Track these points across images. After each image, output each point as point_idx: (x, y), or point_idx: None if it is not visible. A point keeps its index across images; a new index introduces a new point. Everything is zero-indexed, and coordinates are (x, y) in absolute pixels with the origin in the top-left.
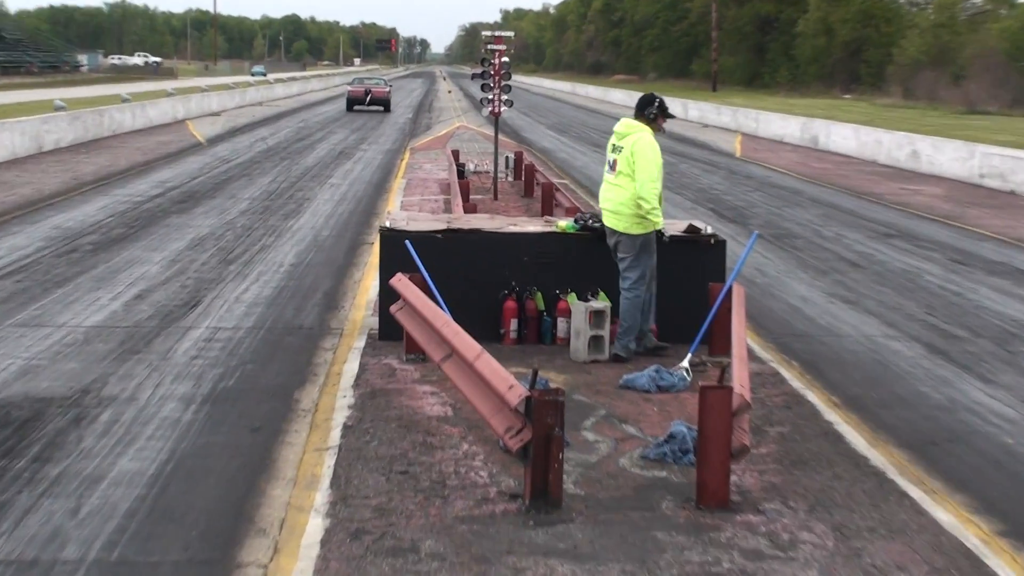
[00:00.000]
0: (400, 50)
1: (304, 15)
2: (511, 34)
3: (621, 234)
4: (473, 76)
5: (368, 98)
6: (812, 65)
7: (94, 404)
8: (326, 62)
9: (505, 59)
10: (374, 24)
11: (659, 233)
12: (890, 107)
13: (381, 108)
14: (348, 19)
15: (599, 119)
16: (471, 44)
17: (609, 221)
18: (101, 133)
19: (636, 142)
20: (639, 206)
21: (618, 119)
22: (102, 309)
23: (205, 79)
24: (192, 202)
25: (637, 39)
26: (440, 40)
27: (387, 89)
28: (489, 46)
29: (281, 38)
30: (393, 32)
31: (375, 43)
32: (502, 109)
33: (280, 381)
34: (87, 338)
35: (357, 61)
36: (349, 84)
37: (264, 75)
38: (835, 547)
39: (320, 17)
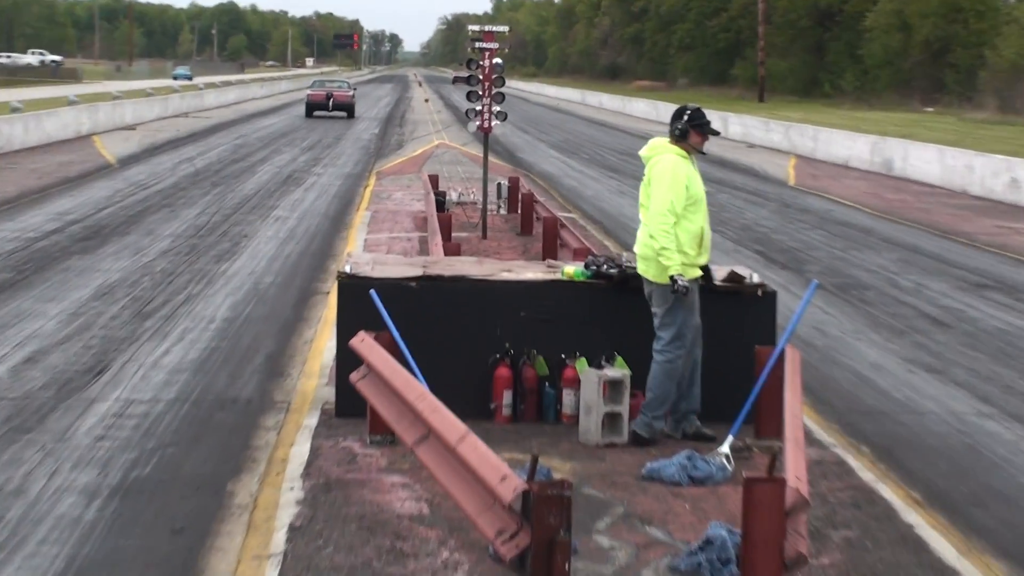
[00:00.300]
0: (365, 48)
1: (243, 3)
2: (505, 29)
3: (651, 283)
4: (455, 80)
5: (330, 102)
6: (884, 69)
7: None
8: (270, 63)
9: (497, 60)
10: (331, 15)
11: (672, 280)
12: (984, 123)
13: (344, 114)
14: (299, 8)
15: (616, 136)
16: (454, 41)
17: (640, 267)
18: None
19: (654, 167)
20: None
21: (640, 136)
22: None
23: (117, 83)
24: (99, 240)
25: (664, 36)
26: (415, 36)
27: (351, 93)
28: (477, 44)
29: (214, 32)
30: (356, 25)
31: (333, 39)
32: (494, 124)
33: (209, 469)
34: None
35: (310, 62)
36: (309, 88)
37: (189, 78)
38: None
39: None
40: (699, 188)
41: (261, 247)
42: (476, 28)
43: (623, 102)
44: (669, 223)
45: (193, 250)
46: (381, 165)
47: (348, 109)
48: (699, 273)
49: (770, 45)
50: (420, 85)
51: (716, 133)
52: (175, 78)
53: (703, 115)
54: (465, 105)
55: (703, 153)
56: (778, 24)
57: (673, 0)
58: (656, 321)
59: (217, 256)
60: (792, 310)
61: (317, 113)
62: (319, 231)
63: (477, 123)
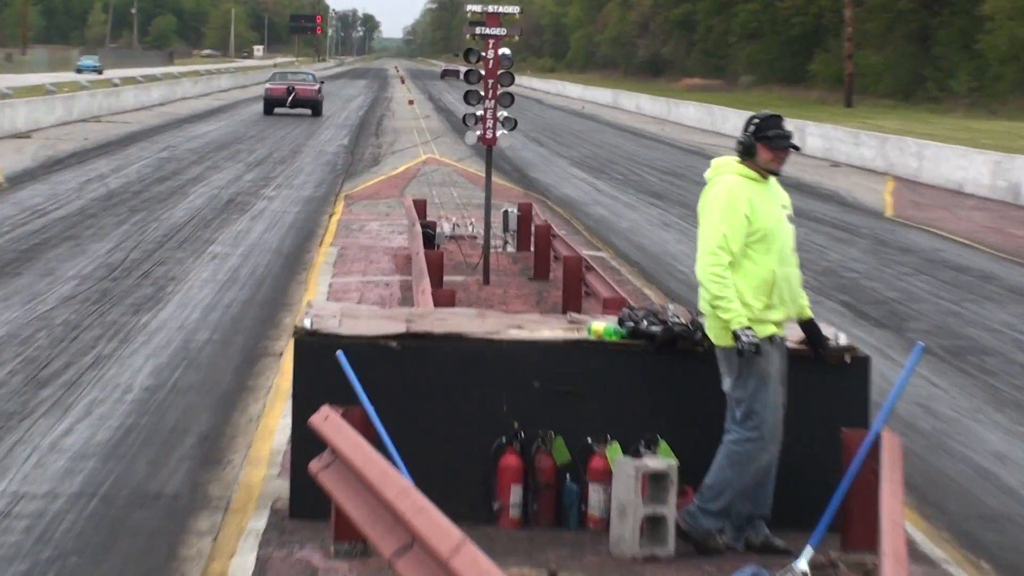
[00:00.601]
0: (331, 33)
1: None
2: (515, 10)
3: (714, 346)
4: (445, 74)
5: (291, 98)
6: (1009, 67)
7: None
8: (208, 52)
9: (505, 51)
10: None
11: (735, 337)
12: None
13: (309, 111)
14: None
15: (659, 150)
16: (447, 25)
17: (707, 325)
18: None
19: (706, 192)
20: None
21: (689, 150)
22: None
23: (7, 77)
24: None
25: (721, 20)
26: (396, 18)
27: (316, 87)
28: (479, 30)
29: (134, 11)
30: (319, 5)
31: (289, 22)
32: (499, 133)
33: None
34: None
35: (258, 51)
36: (268, 81)
37: (98, 71)
38: None
39: None
40: (768, 219)
41: (194, 294)
42: (477, 8)
43: (668, 106)
44: (720, 264)
45: (105, 297)
46: (351, 186)
47: (313, 106)
48: (773, 331)
49: (859, 33)
50: (403, 82)
51: (794, 148)
52: (79, 70)
53: (776, 123)
54: (462, 109)
55: (776, 174)
56: (871, 7)
57: None
58: (728, 396)
59: (136, 305)
60: (891, 382)
61: (278, 110)
62: (269, 273)
63: (478, 133)
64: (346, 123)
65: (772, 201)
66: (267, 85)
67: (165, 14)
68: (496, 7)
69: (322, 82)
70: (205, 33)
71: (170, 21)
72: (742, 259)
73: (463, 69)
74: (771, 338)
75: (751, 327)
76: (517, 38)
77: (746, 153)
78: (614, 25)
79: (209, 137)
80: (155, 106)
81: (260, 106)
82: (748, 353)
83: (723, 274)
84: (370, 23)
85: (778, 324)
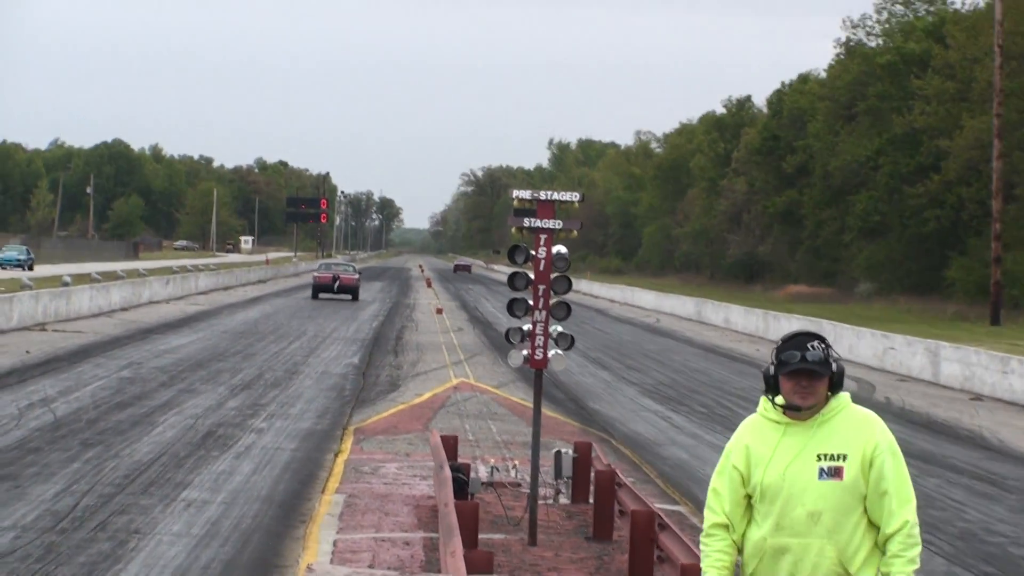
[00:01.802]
0: (339, 222)
1: (139, 143)
2: (575, 197)
3: None
4: (457, 268)
5: (336, 284)
6: None
7: None
8: (182, 243)
9: (560, 249)
10: (285, 167)
11: None
12: None
13: (349, 297)
14: (232, 155)
15: (753, 377)
16: (485, 213)
17: None
18: None
19: None
20: None
21: None
22: None
23: None
24: None
25: (834, 212)
26: (422, 204)
27: (356, 276)
28: (528, 221)
29: (90, 191)
30: (324, 185)
31: (285, 207)
32: (552, 353)
33: None
34: None
35: (247, 242)
36: (315, 271)
37: (24, 264)
38: None
39: (173, 149)
40: (771, 473)
41: (162, 551)
42: (525, 195)
43: (766, 320)
44: (707, 524)
45: (50, 554)
46: (362, 418)
47: (353, 292)
48: None
49: (1010, 232)
50: (429, 285)
51: (813, 372)
52: (3, 264)
53: (794, 343)
54: (504, 321)
55: (797, 409)
56: None
57: (849, 152)
58: None
59: (89, 565)
60: None
61: (322, 296)
62: (258, 526)
63: (524, 352)
64: (356, 337)
65: (790, 450)
66: (315, 274)
67: (129, 195)
68: (550, 193)
69: (360, 272)
70: (179, 220)
71: (135, 204)
72: (747, 525)
73: (472, 263)
74: None
75: None
76: (576, 233)
77: (768, 387)
78: (698, 217)
79: (183, 352)
80: (115, 311)
81: (249, 313)
82: None
83: (704, 539)
84: (389, 209)
85: None
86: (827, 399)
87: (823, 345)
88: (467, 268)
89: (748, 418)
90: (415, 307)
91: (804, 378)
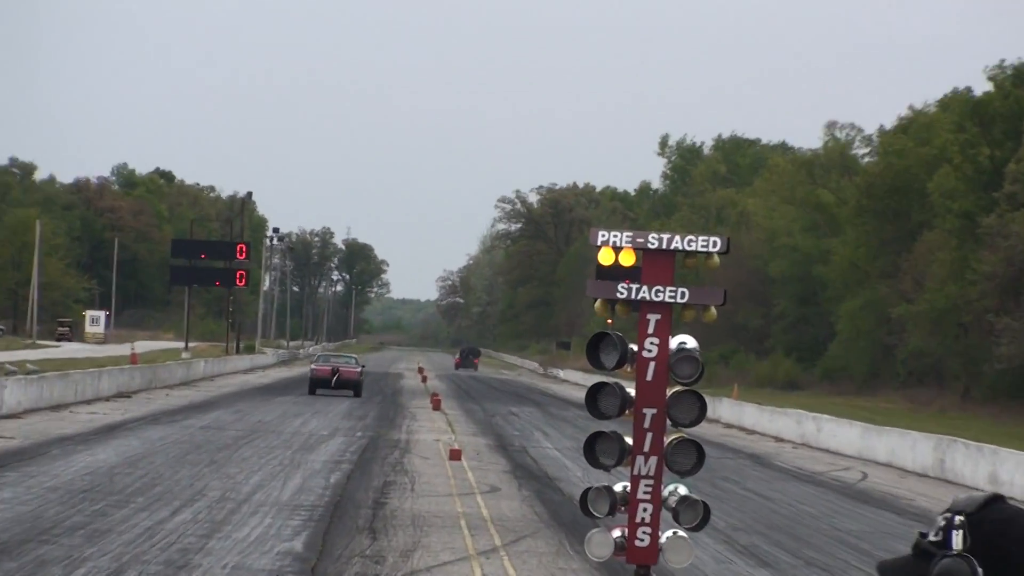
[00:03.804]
0: (268, 283)
1: None
2: (715, 245)
3: None
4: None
5: (335, 379)
6: None
7: None
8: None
9: (686, 343)
10: (171, 181)
11: None
12: None
13: (351, 393)
14: (77, 161)
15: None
16: (540, 269)
17: None
18: None
19: None
20: None
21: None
22: None
23: None
24: None
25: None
26: (426, 257)
27: (358, 369)
28: (622, 288)
29: None
30: (243, 213)
31: (171, 256)
32: (670, 536)
33: None
34: None
35: (95, 320)
36: (313, 363)
37: None
38: None
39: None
40: None
41: None
42: (619, 239)
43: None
44: None
45: None
46: None
47: (355, 387)
48: None
49: None
50: (437, 405)
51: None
52: None
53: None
54: (579, 474)
55: None
56: None
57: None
58: None
59: None
60: None
61: (319, 391)
62: None
63: (616, 534)
64: (299, 500)
65: None
66: (312, 366)
67: None
68: (666, 237)
69: (364, 366)
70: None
71: None
72: None
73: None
74: None
75: None
76: (715, 312)
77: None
78: (941, 285)
79: None
80: None
81: (100, 455)
82: None
83: None
84: (364, 264)
85: None
86: None
87: None
88: (473, 356)
89: None
90: (410, 445)
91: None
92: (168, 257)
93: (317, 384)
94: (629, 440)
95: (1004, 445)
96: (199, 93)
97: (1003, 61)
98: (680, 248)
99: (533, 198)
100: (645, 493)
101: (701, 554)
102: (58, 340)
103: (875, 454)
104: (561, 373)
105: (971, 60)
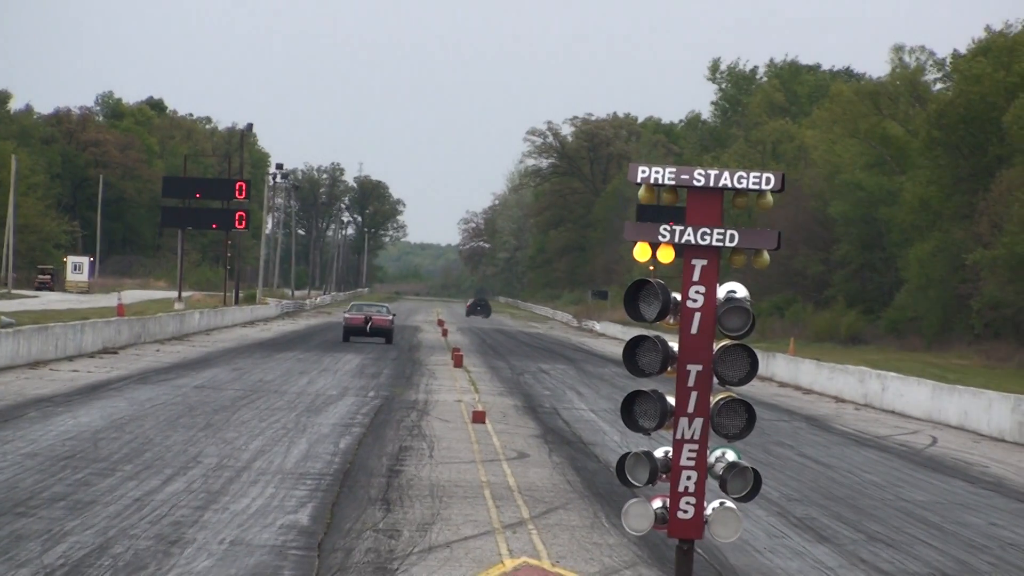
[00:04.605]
0: (270, 226)
1: None
2: (769, 182)
3: None
4: (475, 309)
5: (368, 326)
6: None
7: None
8: None
9: (735, 291)
10: (164, 111)
11: None
12: None
13: (383, 340)
14: (58, 88)
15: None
16: (575, 210)
17: None
18: None
19: None
20: None
21: None
22: None
23: None
24: None
25: None
26: (447, 198)
27: (390, 318)
28: (665, 233)
29: None
30: (243, 147)
31: (161, 195)
32: (716, 506)
33: None
34: None
35: (79, 269)
36: (346, 312)
37: None
38: None
39: None
40: None
41: None
42: (660, 174)
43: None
44: None
45: None
46: None
47: (387, 335)
48: None
49: None
50: (459, 362)
51: None
52: None
53: None
54: (616, 437)
55: None
56: None
57: None
58: None
59: None
60: None
61: (353, 338)
62: None
63: (656, 505)
64: (305, 468)
65: None
66: (345, 315)
67: None
68: (714, 172)
69: (394, 314)
70: None
71: None
72: None
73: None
74: None
75: None
76: (768, 256)
77: None
78: (1014, 235)
79: None
80: None
81: (83, 418)
82: None
83: None
84: (379, 204)
85: None
86: None
87: None
88: (482, 306)
89: None
90: (428, 407)
91: None
92: (159, 197)
93: (351, 332)
94: (671, 400)
95: None
96: (193, 12)
97: None
98: (729, 186)
99: (567, 130)
100: (689, 459)
101: (751, 527)
102: (37, 289)
103: (946, 416)
104: (597, 326)
105: None
